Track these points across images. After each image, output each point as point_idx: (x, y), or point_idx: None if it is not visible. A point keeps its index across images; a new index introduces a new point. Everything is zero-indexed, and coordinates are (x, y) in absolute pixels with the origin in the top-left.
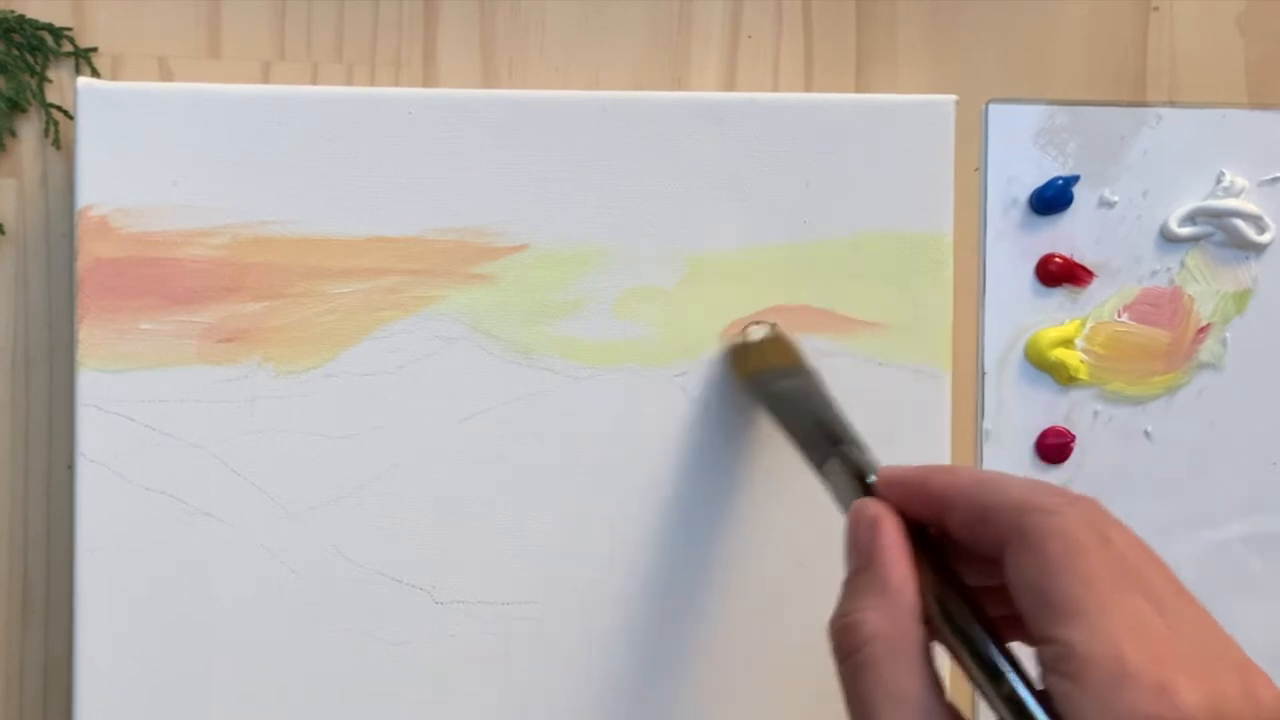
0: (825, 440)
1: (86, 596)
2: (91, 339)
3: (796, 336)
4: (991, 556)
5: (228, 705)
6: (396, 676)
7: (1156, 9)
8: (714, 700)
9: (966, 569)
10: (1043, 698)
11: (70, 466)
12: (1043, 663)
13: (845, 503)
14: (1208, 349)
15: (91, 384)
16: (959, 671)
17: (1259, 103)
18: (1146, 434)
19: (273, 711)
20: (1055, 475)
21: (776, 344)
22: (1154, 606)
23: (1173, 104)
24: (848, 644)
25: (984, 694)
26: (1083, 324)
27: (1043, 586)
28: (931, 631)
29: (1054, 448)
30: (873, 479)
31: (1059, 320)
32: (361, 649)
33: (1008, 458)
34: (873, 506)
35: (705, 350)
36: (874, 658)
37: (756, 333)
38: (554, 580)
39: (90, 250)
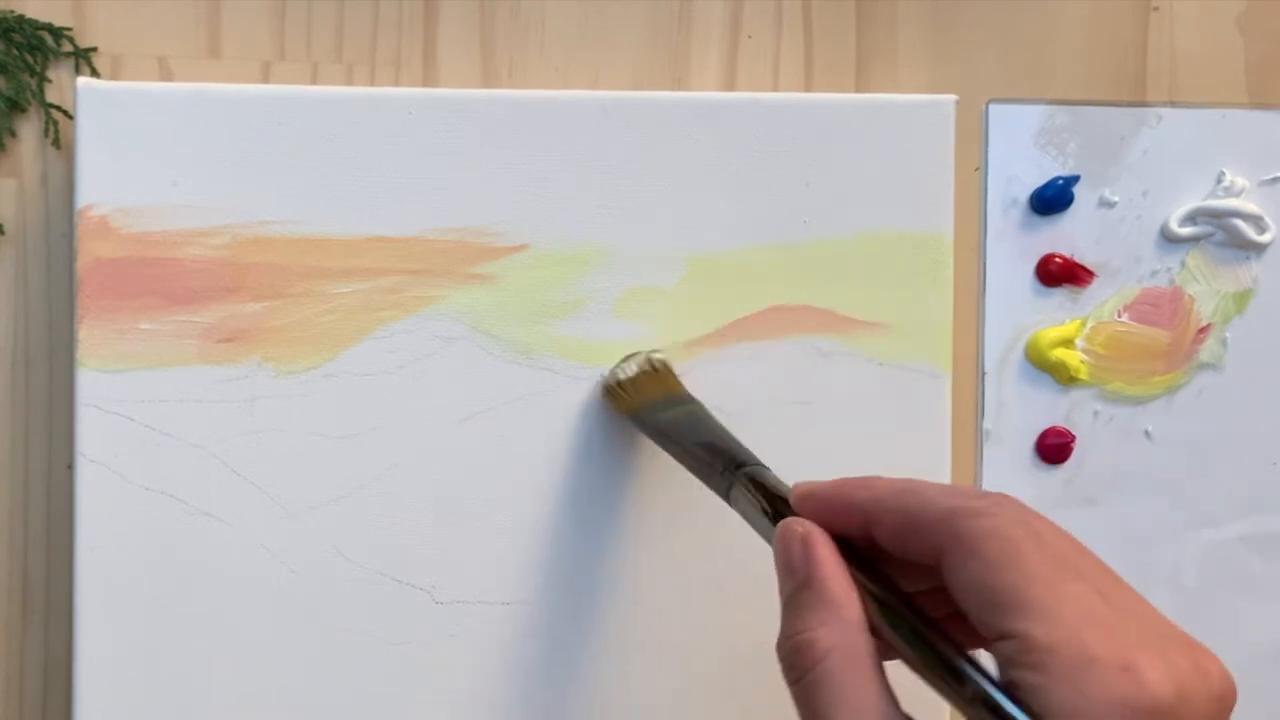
0: (726, 465)
1: (86, 596)
2: (91, 339)
3: (674, 363)
4: (922, 563)
5: (228, 705)
6: (396, 676)
7: (1156, 9)
8: (714, 700)
9: (896, 576)
10: (1007, 691)
11: (70, 466)
12: (1002, 658)
13: (759, 524)
14: (1208, 349)
15: (91, 384)
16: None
17: (1259, 103)
18: (1147, 434)
19: (272, 711)
20: (1055, 475)
21: (651, 377)
22: (1098, 594)
23: (1173, 104)
24: (801, 663)
25: (947, 696)
26: (1083, 324)
27: (989, 585)
28: (878, 643)
29: (1054, 448)
30: (786, 499)
31: (1059, 320)
32: (361, 649)
33: (1008, 458)
34: (800, 524)
35: (706, 350)
36: (830, 673)
37: (628, 369)
38: (554, 580)
39: (90, 250)
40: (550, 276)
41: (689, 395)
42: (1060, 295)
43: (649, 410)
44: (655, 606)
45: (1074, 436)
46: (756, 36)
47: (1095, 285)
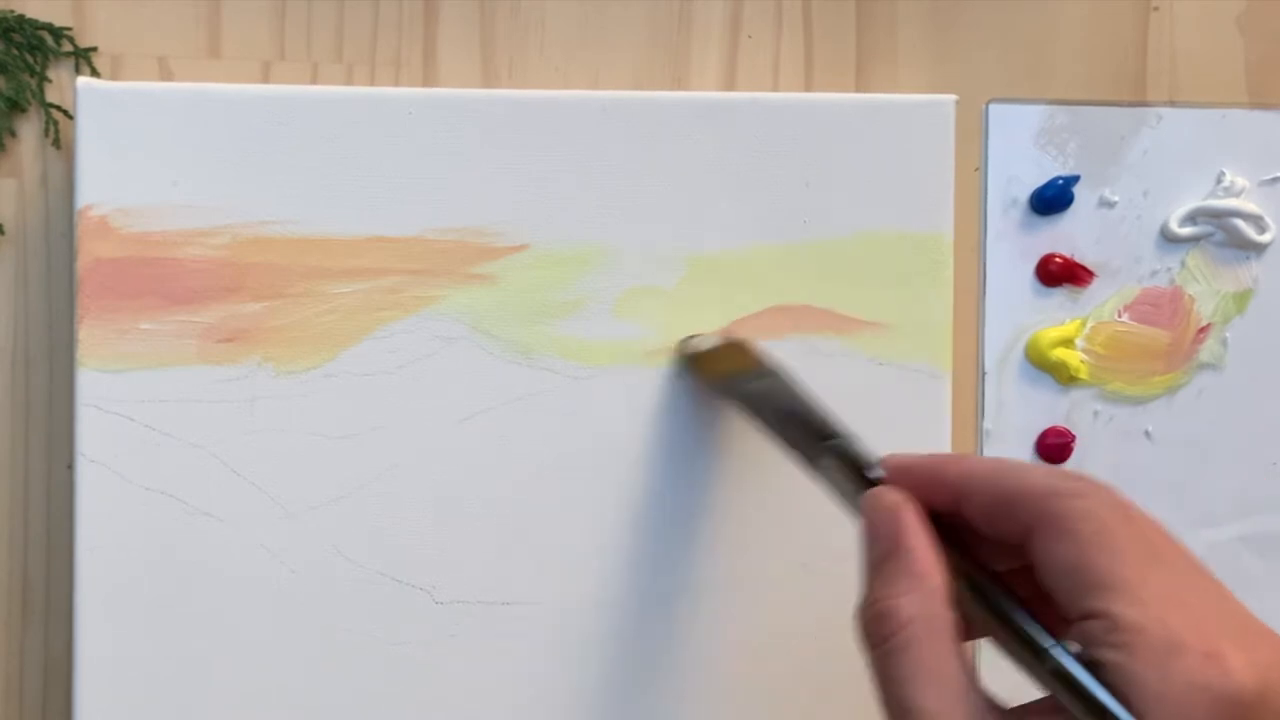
0: (815, 436)
1: (86, 596)
2: (91, 339)
3: (757, 340)
4: (1011, 542)
5: (227, 705)
6: (396, 676)
7: (1156, 9)
8: (714, 700)
9: (981, 553)
10: (1091, 669)
11: (70, 466)
12: (1086, 638)
13: (848, 496)
14: (1208, 349)
15: (91, 384)
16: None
17: (1259, 103)
18: (1147, 434)
19: (273, 711)
20: None
21: (731, 349)
22: (1186, 581)
23: (1173, 104)
24: (882, 630)
25: (1028, 670)
26: (1083, 324)
27: (1080, 565)
28: (959, 619)
29: (1054, 448)
30: (877, 470)
31: (1059, 320)
32: (361, 649)
33: (1008, 457)
34: (891, 494)
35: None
36: (910, 641)
37: (706, 341)
38: (554, 580)
39: (90, 250)
40: (550, 276)
41: (773, 366)
42: (1060, 295)
43: (734, 379)
44: (655, 606)
45: (1074, 436)
46: (756, 36)
47: (1095, 285)
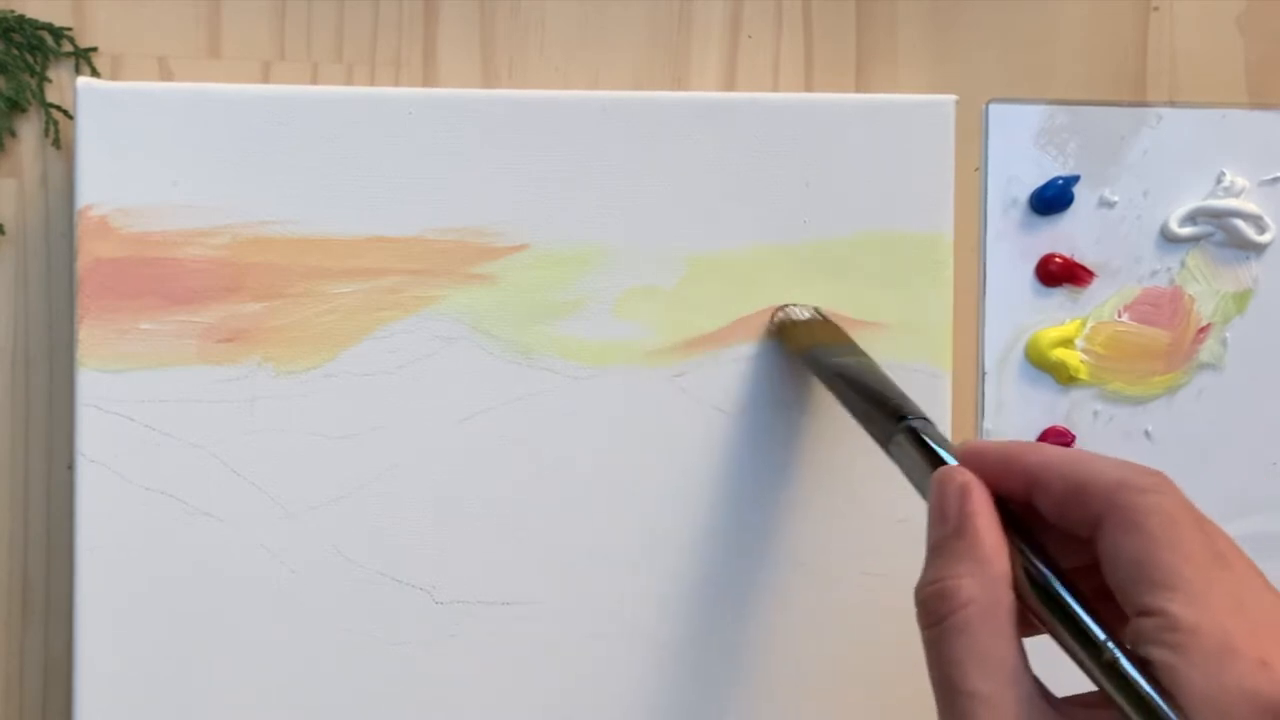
0: (891, 414)
1: (86, 596)
2: (91, 339)
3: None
4: (1078, 534)
5: (227, 705)
6: (396, 676)
7: (1156, 9)
8: (713, 700)
9: (1048, 546)
10: (1141, 667)
11: (70, 466)
12: (1141, 634)
13: (918, 474)
14: (1208, 349)
15: (91, 384)
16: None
17: (1259, 103)
18: (1147, 434)
19: (273, 711)
20: None
21: (825, 325)
22: (1247, 588)
23: (1173, 104)
24: (940, 609)
25: (1080, 663)
26: (1083, 324)
27: (1144, 560)
28: (1020, 602)
29: None
30: (950, 452)
31: (1059, 320)
32: (361, 649)
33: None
34: (961, 474)
35: (706, 350)
36: (967, 622)
37: (801, 313)
38: (554, 580)
39: (90, 250)
40: (550, 276)
41: (861, 349)
42: (1060, 295)
43: (822, 351)
44: (654, 606)
45: (1074, 436)
46: (756, 36)
47: (1095, 285)
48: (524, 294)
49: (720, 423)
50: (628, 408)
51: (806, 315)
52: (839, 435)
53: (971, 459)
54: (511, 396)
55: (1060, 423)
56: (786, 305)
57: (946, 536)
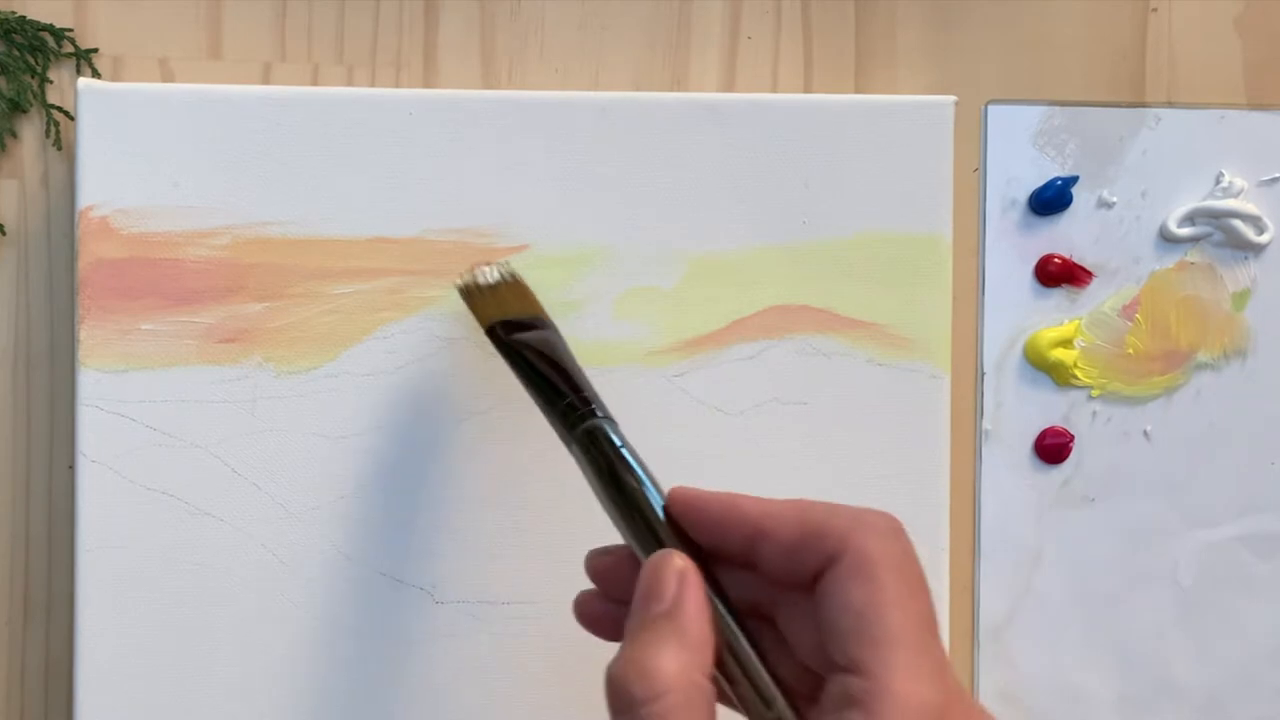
0: (575, 404)
1: (86, 596)
2: (92, 339)
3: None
4: (798, 583)
5: (227, 705)
6: (396, 676)
7: (1155, 10)
8: None
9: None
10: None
11: (70, 466)
12: (848, 693)
13: (602, 483)
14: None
15: (92, 384)
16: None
17: (1257, 103)
18: (1145, 434)
19: (273, 711)
20: (1054, 475)
21: (512, 289)
22: (944, 660)
23: (1171, 105)
24: (641, 691)
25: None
26: (1081, 324)
27: (869, 615)
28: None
29: (1053, 448)
30: (642, 469)
31: (1058, 320)
32: (361, 649)
33: (1006, 458)
34: (680, 558)
35: (706, 350)
36: (669, 710)
37: (489, 274)
38: (554, 580)
39: (91, 251)
40: (550, 276)
41: (549, 319)
42: (1059, 296)
43: (506, 325)
44: None
45: (1073, 436)
46: (756, 37)
47: (1094, 285)
48: None
49: (720, 423)
50: (627, 408)
51: (495, 278)
52: (839, 435)
53: (689, 510)
54: (511, 396)
55: (1059, 423)
56: (476, 265)
57: (658, 616)
